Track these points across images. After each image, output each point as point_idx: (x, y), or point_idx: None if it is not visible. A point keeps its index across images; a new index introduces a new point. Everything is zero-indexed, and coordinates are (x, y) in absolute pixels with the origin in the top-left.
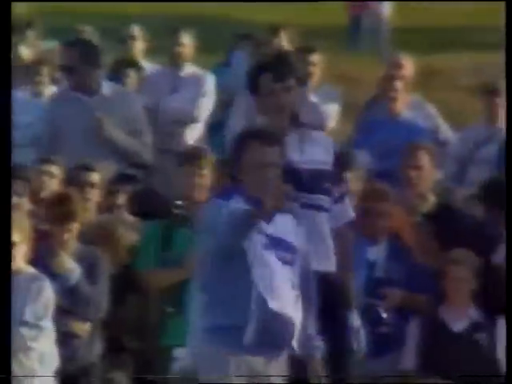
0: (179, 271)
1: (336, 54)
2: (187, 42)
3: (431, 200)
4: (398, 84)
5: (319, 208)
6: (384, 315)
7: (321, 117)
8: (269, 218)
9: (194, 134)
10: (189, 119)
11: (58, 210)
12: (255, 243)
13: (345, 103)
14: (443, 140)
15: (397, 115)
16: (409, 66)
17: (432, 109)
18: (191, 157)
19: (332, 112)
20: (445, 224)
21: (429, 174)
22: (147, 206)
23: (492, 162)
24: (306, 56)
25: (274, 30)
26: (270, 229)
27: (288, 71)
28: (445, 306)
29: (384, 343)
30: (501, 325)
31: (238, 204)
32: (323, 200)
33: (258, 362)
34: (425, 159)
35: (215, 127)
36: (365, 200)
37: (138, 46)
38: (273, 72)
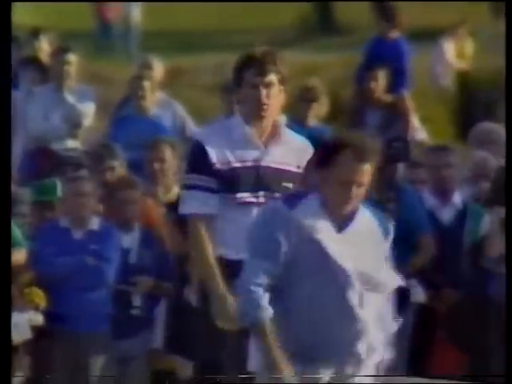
0: None
1: (90, 55)
2: None
3: (175, 190)
4: (146, 84)
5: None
6: (136, 300)
7: (78, 115)
8: (339, 226)
9: None
10: None
11: None
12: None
13: (99, 102)
14: (189, 135)
15: (145, 112)
16: (157, 67)
17: (179, 106)
18: None
19: (88, 110)
20: None
21: (172, 166)
22: None
23: None
24: (61, 56)
25: (34, 32)
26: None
27: (270, 68)
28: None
29: (136, 325)
30: None
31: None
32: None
33: None
34: (167, 153)
35: None
36: (115, 188)
37: None
38: (256, 67)
